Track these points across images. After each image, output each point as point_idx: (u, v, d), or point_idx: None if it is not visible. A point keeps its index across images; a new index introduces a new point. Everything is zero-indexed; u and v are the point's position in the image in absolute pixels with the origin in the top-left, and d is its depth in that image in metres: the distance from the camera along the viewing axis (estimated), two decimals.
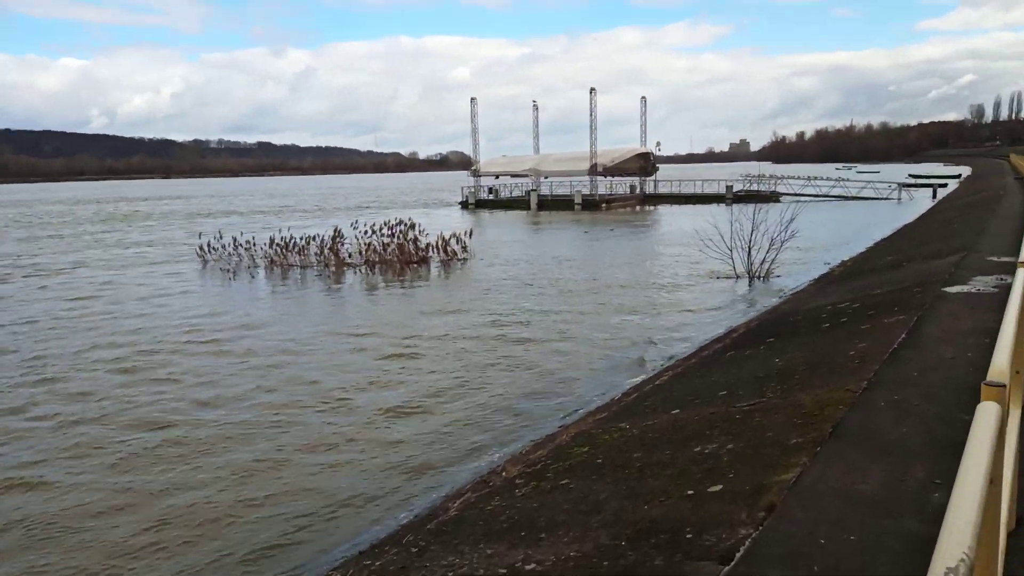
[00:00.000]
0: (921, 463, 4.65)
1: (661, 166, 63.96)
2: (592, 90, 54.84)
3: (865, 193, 56.63)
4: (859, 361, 7.42)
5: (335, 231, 23.93)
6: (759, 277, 19.17)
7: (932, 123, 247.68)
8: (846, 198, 56.47)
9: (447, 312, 15.63)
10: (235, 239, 24.87)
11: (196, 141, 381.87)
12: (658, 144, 61.34)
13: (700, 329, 13.42)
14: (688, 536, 4.14)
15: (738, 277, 19.29)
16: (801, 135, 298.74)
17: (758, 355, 9.55)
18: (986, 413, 1.80)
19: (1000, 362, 2.53)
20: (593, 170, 54.03)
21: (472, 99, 58.21)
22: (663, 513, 4.62)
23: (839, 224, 38.18)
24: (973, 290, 10.80)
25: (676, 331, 13.32)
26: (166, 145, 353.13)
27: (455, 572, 4.60)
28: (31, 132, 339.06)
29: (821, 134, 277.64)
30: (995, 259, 14.08)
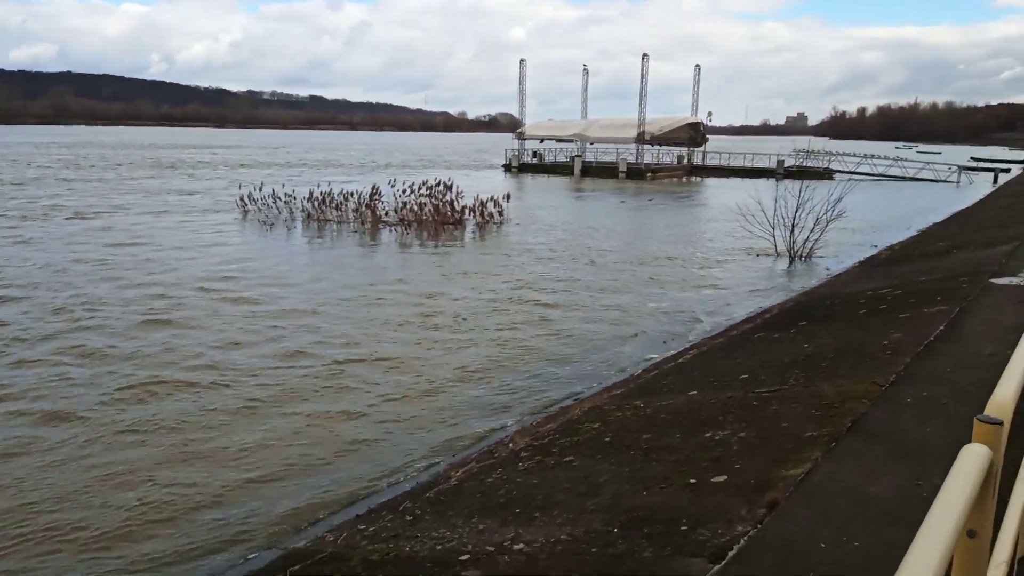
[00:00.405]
0: (942, 468, 4.35)
1: (713, 137, 62.60)
2: (644, 56, 53.64)
3: (923, 175, 54.63)
4: (891, 352, 7.07)
5: (373, 189, 23.87)
6: (801, 257, 18.60)
7: (1001, 105, 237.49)
8: (903, 179, 54.58)
9: (473, 275, 15.49)
10: (274, 191, 24.99)
11: (250, 92, 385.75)
12: (709, 114, 59.99)
13: (731, 308, 13.06)
14: (683, 529, 3.96)
15: (778, 256, 18.74)
16: (862, 111, 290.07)
17: (787, 339, 9.22)
18: (970, 459, 1.50)
19: (1004, 394, 2.07)
20: (640, 138, 53.04)
21: (521, 60, 57.48)
22: (661, 501, 4.44)
23: (893, 205, 36.93)
24: (1023, 283, 10.25)
25: (705, 308, 12.98)
26: (220, 95, 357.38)
27: (443, 545, 4.50)
28: (92, 75, 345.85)
29: (883, 111, 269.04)
30: None
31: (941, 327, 7.79)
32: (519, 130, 58.47)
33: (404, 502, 5.58)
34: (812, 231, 18.63)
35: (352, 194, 24.27)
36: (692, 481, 4.65)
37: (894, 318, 9.00)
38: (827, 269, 17.24)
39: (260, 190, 24.94)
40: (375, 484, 6.36)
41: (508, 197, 24.13)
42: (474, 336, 10.86)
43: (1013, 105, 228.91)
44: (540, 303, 13.00)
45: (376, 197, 23.72)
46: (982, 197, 37.00)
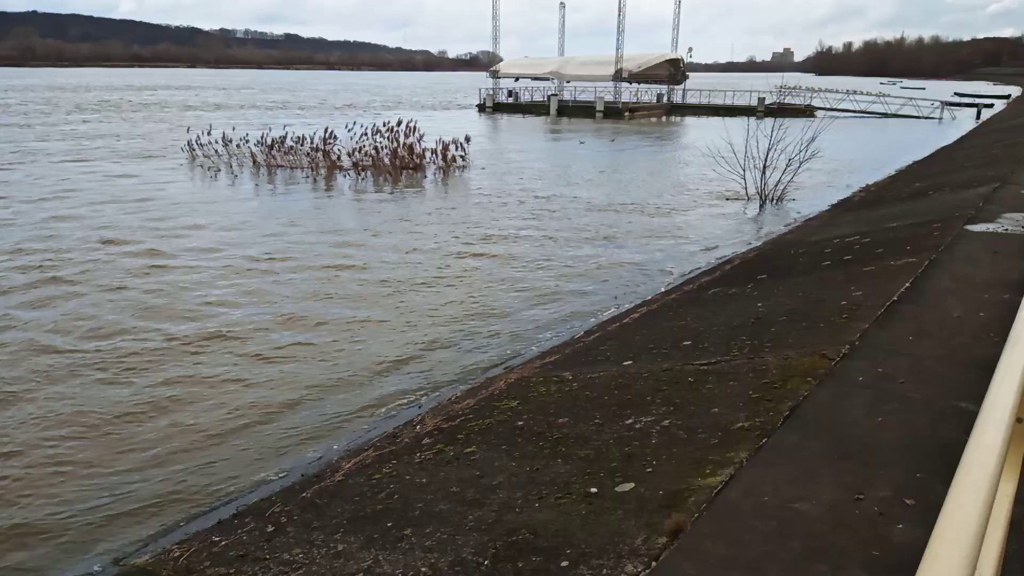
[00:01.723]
0: (890, 474, 3.61)
1: (698, 75, 61.01)
2: None
3: (905, 111, 53.52)
4: (848, 315, 6.29)
5: (326, 132, 22.57)
6: (772, 200, 17.74)
7: (986, 39, 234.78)
8: (885, 115, 53.48)
9: (423, 224, 14.54)
10: (224, 135, 23.63)
11: (223, 30, 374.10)
12: (689, 50, 58.13)
13: (694, 258, 12.24)
14: (563, 565, 3.18)
15: (749, 199, 17.87)
16: (848, 46, 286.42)
17: (742, 296, 8.43)
18: None
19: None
20: (618, 76, 51.34)
21: None
22: (551, 519, 3.66)
23: (873, 143, 36.01)
24: (1000, 229, 9.49)
25: (666, 260, 12.14)
26: (192, 33, 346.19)
27: (289, 573, 3.73)
28: (59, 15, 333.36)
29: (869, 46, 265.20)
30: None
31: (907, 284, 7.01)
32: (493, 68, 56.53)
33: (274, 505, 4.79)
34: (784, 173, 17.72)
35: (307, 138, 23.00)
36: (593, 490, 3.87)
37: (858, 272, 8.22)
38: (798, 213, 16.41)
39: (209, 134, 23.56)
40: (261, 475, 5.57)
41: (468, 140, 22.93)
42: (409, 295, 9.99)
43: (999, 39, 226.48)
44: (489, 255, 12.11)
45: (331, 141, 22.44)
46: (963, 134, 36.11)
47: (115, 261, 11.34)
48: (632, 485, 3.82)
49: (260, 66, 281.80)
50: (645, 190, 19.37)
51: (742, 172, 17.97)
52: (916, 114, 52.58)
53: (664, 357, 6.36)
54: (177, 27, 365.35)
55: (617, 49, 51.40)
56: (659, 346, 6.84)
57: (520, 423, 5.35)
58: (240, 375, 7.19)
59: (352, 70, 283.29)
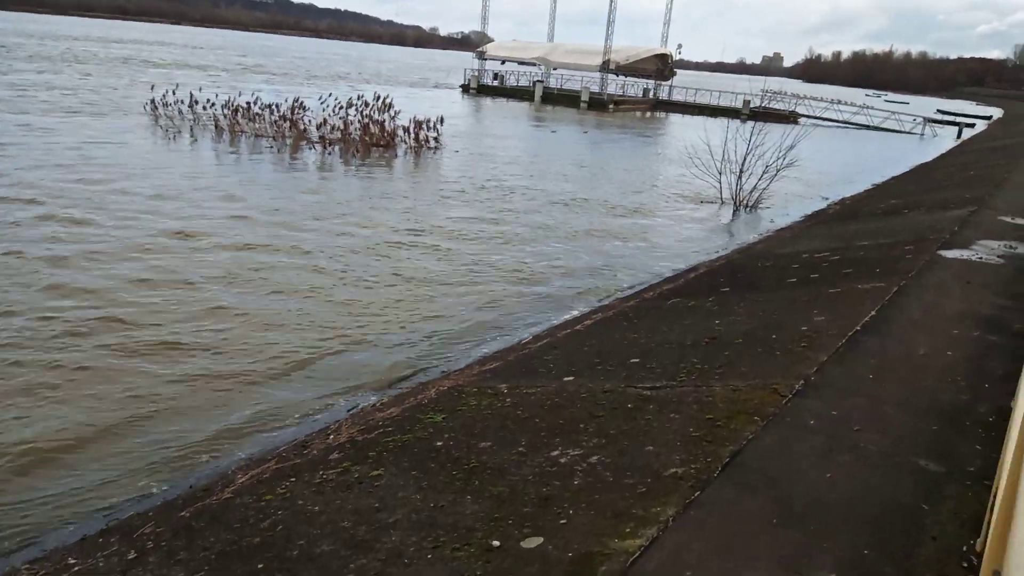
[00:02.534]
0: (835, 547, 3.14)
1: (687, 72, 60.56)
2: None
3: (888, 124, 53.54)
4: (807, 344, 5.83)
5: (295, 101, 21.76)
6: (746, 207, 17.34)
7: (973, 59, 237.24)
8: (867, 127, 53.47)
9: (374, 207, 13.91)
10: (192, 96, 22.72)
11: None
12: (679, 47, 57.50)
13: (657, 264, 11.76)
14: None
15: (723, 204, 17.45)
16: (837, 55, 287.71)
17: (701, 310, 7.97)
18: None
19: None
20: (605, 67, 50.71)
21: None
22: None
23: (853, 154, 35.87)
24: (974, 257, 9.12)
25: (630, 263, 11.64)
26: None
27: None
28: None
29: (857, 57, 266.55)
30: (1008, 219, 12.31)
31: (872, 312, 6.58)
32: (479, 49, 55.60)
33: (148, 523, 4.22)
34: (760, 179, 17.32)
35: (276, 105, 22.17)
36: (496, 543, 3.36)
37: (823, 293, 7.79)
38: (771, 221, 16.02)
39: (174, 93, 22.64)
40: (148, 481, 4.99)
41: (442, 120, 22.23)
42: (343, 287, 9.39)
43: (985, 59, 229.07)
44: (439, 248, 11.50)
45: (300, 111, 21.63)
46: (943, 152, 36.10)
47: (20, 224, 10.54)
48: (540, 541, 3.31)
49: (247, 28, 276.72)
50: (617, 187, 18.85)
51: (718, 175, 17.54)
52: (898, 128, 52.66)
53: (608, 375, 5.87)
54: None
55: (606, 40, 50.78)
56: (605, 361, 6.35)
57: (439, 443, 4.82)
58: (141, 366, 6.56)
59: (340, 39, 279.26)
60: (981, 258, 9.05)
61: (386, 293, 9.07)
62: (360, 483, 4.34)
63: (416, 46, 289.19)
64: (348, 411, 6.06)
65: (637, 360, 6.21)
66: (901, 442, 4.16)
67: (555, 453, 4.37)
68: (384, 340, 7.65)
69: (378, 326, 8.02)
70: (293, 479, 4.59)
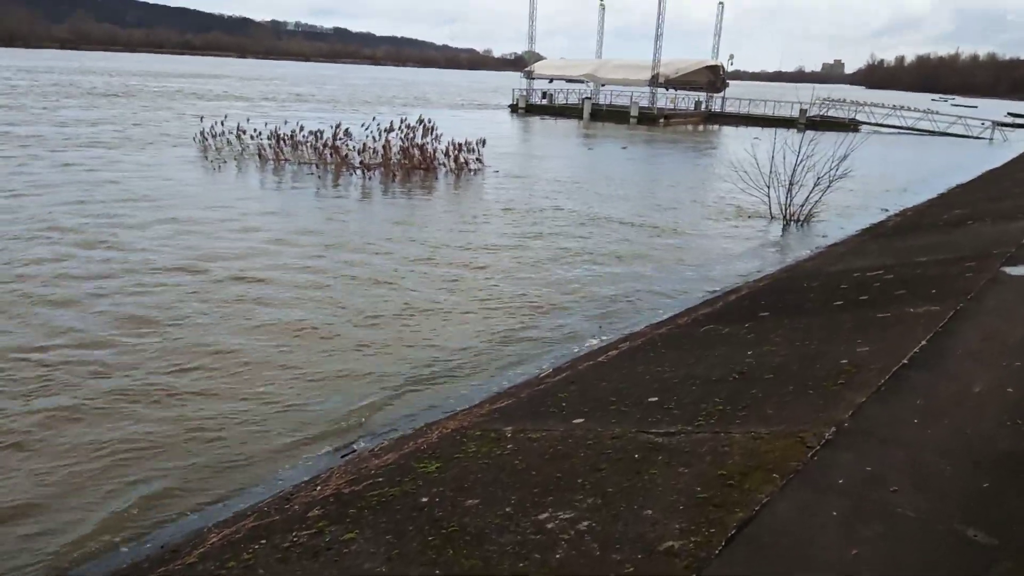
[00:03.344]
0: None
1: (743, 83, 59.39)
2: None
3: (954, 129, 51.30)
4: (844, 380, 5.22)
5: (336, 128, 21.83)
6: (798, 221, 16.51)
7: None
8: (932, 133, 51.31)
9: (403, 231, 13.66)
10: (239, 126, 23.05)
11: (274, 21, 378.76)
12: (730, 57, 56.49)
13: (696, 286, 11.14)
14: None
15: (773, 219, 16.66)
16: (901, 60, 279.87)
17: (735, 338, 7.37)
18: None
19: None
20: (654, 81, 50.02)
21: None
22: None
23: (916, 162, 34.34)
24: None
25: (667, 286, 11.04)
26: (243, 24, 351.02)
27: None
28: (116, 0, 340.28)
29: (922, 61, 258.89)
30: None
31: (924, 341, 5.90)
32: (527, 68, 55.60)
33: None
34: (812, 192, 16.48)
35: (319, 132, 22.29)
36: None
37: (870, 319, 7.10)
38: (823, 236, 15.18)
39: (222, 124, 23.02)
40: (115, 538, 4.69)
41: (484, 142, 21.99)
42: (360, 318, 9.09)
43: None
44: (463, 275, 11.12)
45: (343, 137, 21.69)
46: (1014, 157, 34.19)
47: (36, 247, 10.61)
48: None
49: (308, 58, 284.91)
50: (661, 204, 18.24)
51: (766, 189, 16.77)
52: (965, 133, 50.39)
53: (621, 417, 5.36)
54: (230, 16, 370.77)
55: (654, 54, 50.12)
56: (622, 400, 5.83)
57: (425, 499, 4.39)
58: (131, 410, 6.33)
59: (397, 65, 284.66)
60: None
61: (399, 324, 8.72)
62: (329, 549, 3.94)
63: (470, 68, 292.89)
64: (344, 456, 5.69)
65: (656, 399, 5.67)
66: (946, 505, 3.54)
67: (543, 516, 3.88)
68: (398, 375, 7.28)
69: (392, 360, 7.66)
70: (263, 541, 4.22)
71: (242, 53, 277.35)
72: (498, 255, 12.26)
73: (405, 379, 7.21)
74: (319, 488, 5.06)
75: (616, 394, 6.07)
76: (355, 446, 5.83)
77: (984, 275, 8.17)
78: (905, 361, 5.45)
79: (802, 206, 16.54)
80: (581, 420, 5.49)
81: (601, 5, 56.77)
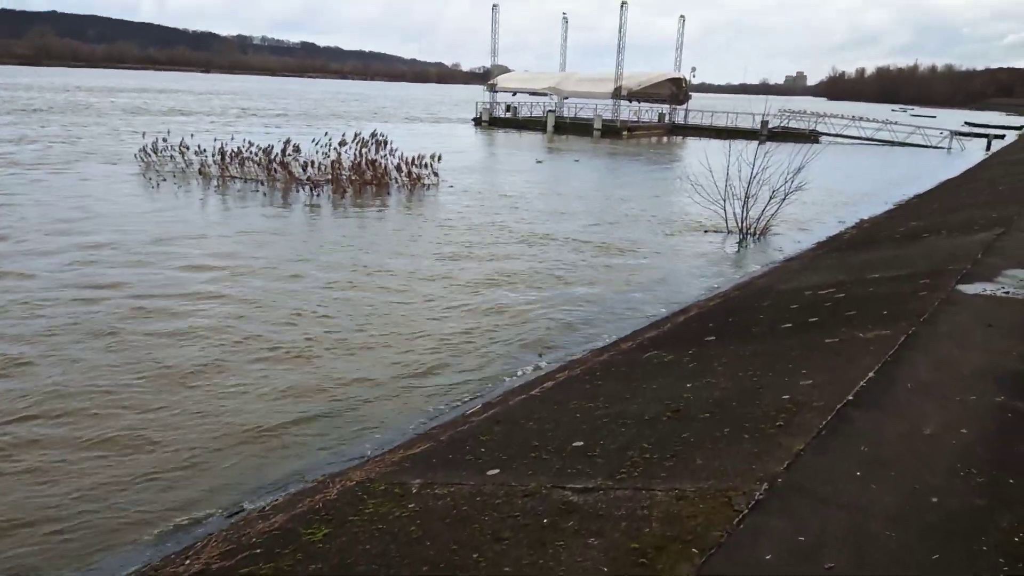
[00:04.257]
0: None
1: (708, 95, 59.59)
2: (623, 3, 50.16)
3: (913, 139, 51.88)
4: (784, 421, 4.70)
5: (286, 143, 21.11)
6: (754, 234, 16.16)
7: (1001, 69, 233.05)
8: (891, 143, 51.87)
9: (335, 250, 13.03)
10: (182, 142, 22.20)
11: (240, 36, 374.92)
12: (693, 70, 56.63)
13: (646, 306, 10.64)
14: None
15: (729, 233, 16.29)
16: (861, 72, 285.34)
17: (676, 367, 6.85)
18: None
19: None
20: (617, 93, 49.91)
21: (493, 6, 53.88)
22: None
23: (875, 172, 34.48)
24: (1000, 291, 7.88)
25: (613, 308, 10.51)
26: (208, 39, 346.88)
27: None
28: (78, 16, 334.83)
29: (882, 72, 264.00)
30: None
31: (871, 373, 5.42)
32: (490, 82, 55.23)
33: None
34: (767, 205, 16.16)
35: (268, 148, 21.52)
36: None
37: (818, 344, 6.63)
38: (780, 250, 14.83)
39: (165, 140, 22.17)
40: None
41: (439, 157, 21.41)
42: (279, 349, 8.44)
43: (1013, 69, 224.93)
44: (399, 297, 10.53)
45: (290, 152, 20.97)
46: (971, 166, 34.49)
47: None
48: None
49: (274, 73, 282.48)
50: (615, 220, 17.78)
51: (722, 203, 16.41)
52: (924, 143, 51.01)
53: (540, 467, 4.79)
54: (195, 31, 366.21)
55: (617, 67, 50.03)
56: (545, 444, 5.26)
57: None
58: None
59: (365, 79, 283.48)
60: (1008, 292, 7.81)
61: (318, 357, 8.06)
62: None
63: (439, 82, 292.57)
64: (230, 517, 5.03)
65: (581, 443, 5.11)
66: None
67: None
68: (312, 415, 6.64)
69: (307, 398, 7.01)
70: None
71: (206, 68, 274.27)
72: (436, 278, 11.65)
73: (320, 419, 6.57)
74: (188, 562, 4.40)
75: (541, 436, 5.51)
76: (245, 504, 5.17)
77: (938, 294, 7.76)
78: (850, 397, 4.96)
79: (758, 219, 16.20)
80: (496, 471, 4.91)
81: (564, 18, 56.63)
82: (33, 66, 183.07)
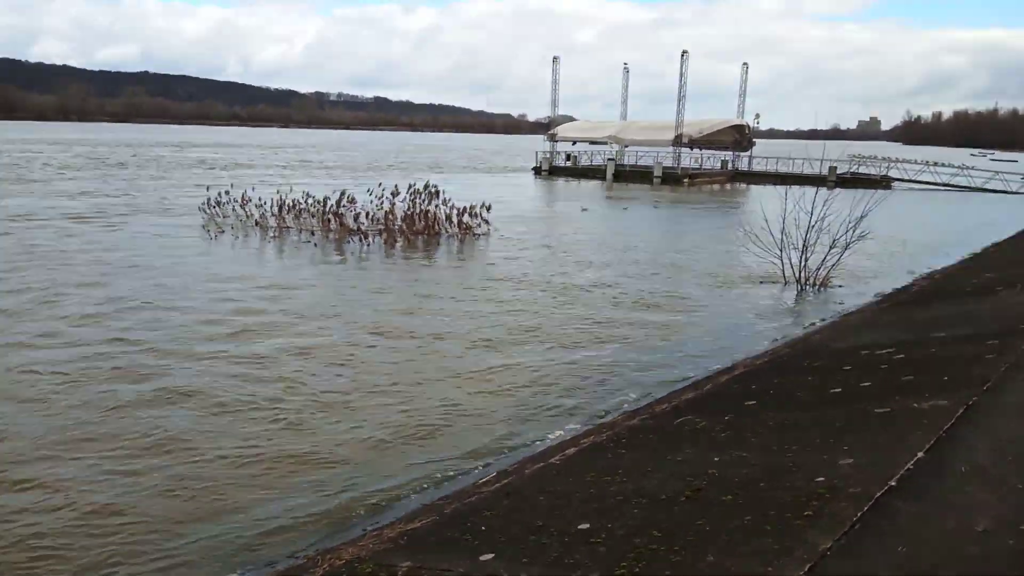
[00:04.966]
0: None
1: (776, 141, 58.57)
2: (684, 52, 50.04)
3: (992, 185, 49.56)
4: (813, 512, 4.14)
5: (341, 195, 21.39)
6: (814, 285, 15.36)
7: None
8: (969, 189, 49.64)
9: (371, 307, 12.88)
10: (244, 195, 22.77)
11: (317, 93, 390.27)
12: (756, 116, 55.94)
13: (690, 362, 10.06)
14: None
15: (787, 284, 15.53)
16: (938, 116, 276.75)
17: (706, 436, 6.31)
18: None
19: None
20: (678, 141, 49.48)
21: (554, 57, 54.47)
22: None
23: (951, 219, 32.94)
24: None
25: (656, 365, 9.97)
26: (288, 95, 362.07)
27: None
28: (169, 76, 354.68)
29: (959, 116, 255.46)
30: None
31: (921, 452, 4.80)
32: (551, 131, 55.56)
33: None
34: (828, 254, 15.38)
35: (325, 199, 21.83)
36: None
37: (866, 414, 6.00)
38: (840, 303, 14.00)
39: (227, 193, 22.78)
40: None
41: (489, 207, 21.33)
42: (287, 406, 8.22)
43: None
44: (426, 354, 10.19)
45: (345, 204, 21.22)
46: None
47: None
48: None
49: (348, 126, 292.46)
50: (665, 271, 17.20)
51: (779, 252, 15.69)
52: (1003, 188, 48.65)
53: (537, 554, 4.34)
54: (276, 89, 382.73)
55: (677, 114, 49.70)
56: (549, 524, 4.81)
57: None
58: None
59: (434, 131, 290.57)
60: None
61: (332, 414, 7.79)
62: None
63: (505, 132, 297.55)
64: None
65: (587, 525, 4.64)
66: None
67: None
68: (320, 480, 6.34)
69: (316, 460, 6.73)
70: None
71: (286, 123, 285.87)
72: (475, 330, 11.34)
73: (321, 486, 6.26)
74: None
75: (548, 514, 5.05)
76: None
77: (1008, 356, 7.01)
78: (893, 483, 4.35)
79: (818, 269, 15.41)
80: (490, 556, 4.47)
81: (625, 68, 56.86)
82: (125, 123, 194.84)
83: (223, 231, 20.28)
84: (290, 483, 6.26)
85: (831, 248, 15.38)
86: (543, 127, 59.90)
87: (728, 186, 50.89)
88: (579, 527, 4.67)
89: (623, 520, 4.63)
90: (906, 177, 52.89)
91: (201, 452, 6.76)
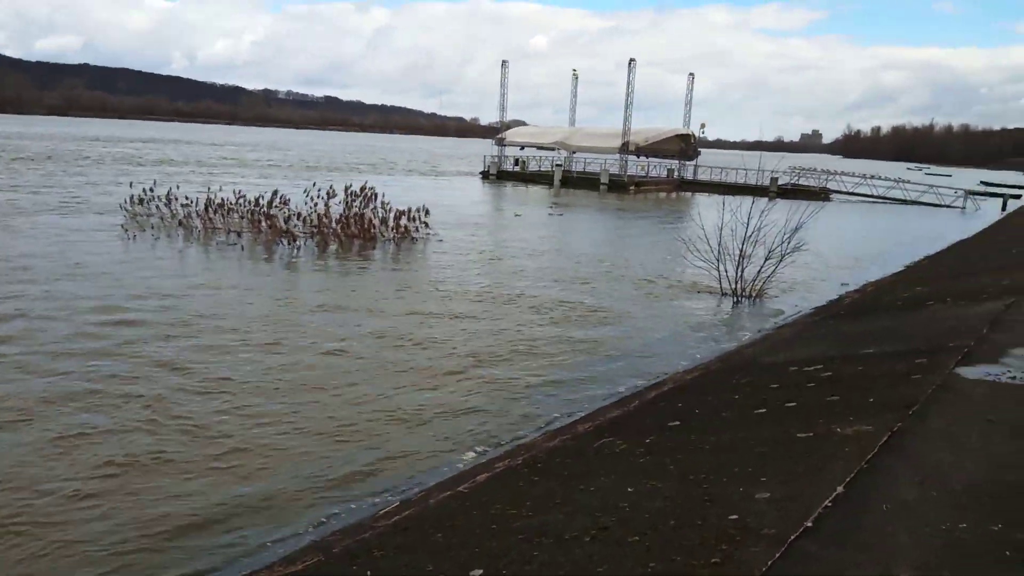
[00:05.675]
0: None
1: (721, 151, 59.25)
2: (631, 61, 50.28)
3: (926, 198, 51.03)
4: (723, 555, 3.76)
5: (274, 194, 20.60)
6: (750, 296, 15.25)
7: (1018, 129, 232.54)
8: (904, 202, 51.00)
9: (310, 311, 12.25)
10: (169, 192, 21.74)
11: (266, 91, 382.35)
12: (702, 126, 56.40)
13: (620, 377, 9.71)
14: None
15: (723, 295, 15.38)
16: (877, 130, 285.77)
17: (625, 461, 5.92)
18: None
19: None
20: (624, 148, 49.64)
21: (503, 62, 54.23)
22: None
23: (886, 232, 33.57)
24: (1004, 376, 6.90)
25: (586, 379, 9.58)
26: (235, 92, 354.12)
27: None
28: (110, 69, 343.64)
29: (897, 131, 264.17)
30: None
31: (840, 487, 4.47)
32: (499, 136, 55.22)
33: None
34: (764, 266, 15.28)
35: (258, 199, 20.97)
36: None
37: (789, 439, 5.69)
38: (774, 316, 13.89)
39: (151, 191, 21.73)
40: None
41: (427, 211, 20.80)
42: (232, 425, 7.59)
43: None
44: (345, 356, 9.69)
45: (277, 204, 20.43)
46: (985, 227, 33.48)
47: None
48: None
49: (297, 126, 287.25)
50: (603, 280, 16.91)
51: (715, 263, 15.54)
52: (937, 202, 50.12)
53: None
54: (223, 85, 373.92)
55: (624, 122, 49.87)
56: (440, 567, 4.34)
57: None
58: None
59: (385, 133, 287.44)
60: (1014, 378, 6.82)
61: (216, 450, 7.17)
62: None
63: (458, 136, 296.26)
64: None
65: (479, 573, 4.17)
66: None
67: None
68: (194, 523, 5.74)
69: (188, 493, 6.12)
70: None
71: (232, 120, 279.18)
72: (393, 340, 10.81)
73: (204, 527, 5.66)
74: None
75: (441, 556, 4.57)
76: None
77: (934, 378, 6.80)
78: (809, 523, 4.00)
79: (754, 280, 15.30)
80: None
81: (574, 74, 56.82)
82: (63, 116, 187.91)
83: (143, 230, 19.27)
84: (162, 523, 5.63)
85: (767, 259, 15.29)
86: (495, 131, 59.47)
87: (674, 194, 51.25)
88: (471, 573, 4.21)
89: (520, 564, 4.18)
90: (844, 189, 54.08)
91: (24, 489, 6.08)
